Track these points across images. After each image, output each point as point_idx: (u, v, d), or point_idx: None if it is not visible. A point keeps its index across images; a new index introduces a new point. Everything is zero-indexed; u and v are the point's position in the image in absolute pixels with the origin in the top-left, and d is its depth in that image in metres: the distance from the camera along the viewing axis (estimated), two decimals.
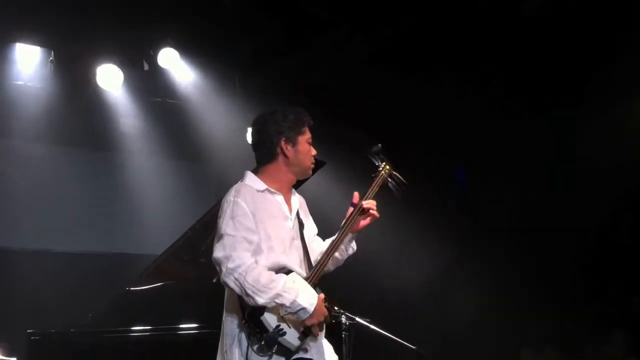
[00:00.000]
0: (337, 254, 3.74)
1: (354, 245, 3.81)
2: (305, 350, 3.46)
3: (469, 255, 7.86)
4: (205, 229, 5.05)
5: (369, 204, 3.72)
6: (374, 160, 3.88)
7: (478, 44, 7.04)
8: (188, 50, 7.34)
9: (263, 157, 3.66)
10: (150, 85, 7.74)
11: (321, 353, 3.55)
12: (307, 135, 3.67)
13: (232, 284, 3.34)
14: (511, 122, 7.65)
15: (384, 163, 3.86)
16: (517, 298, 7.66)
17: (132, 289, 5.04)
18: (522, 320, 7.78)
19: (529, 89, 7.45)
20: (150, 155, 8.00)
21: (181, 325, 4.80)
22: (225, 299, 3.55)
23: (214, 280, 4.96)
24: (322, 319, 3.42)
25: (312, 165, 3.72)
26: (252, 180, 3.62)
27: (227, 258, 3.35)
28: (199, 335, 4.75)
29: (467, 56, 7.17)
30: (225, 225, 3.43)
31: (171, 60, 7.30)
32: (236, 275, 3.32)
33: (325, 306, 3.46)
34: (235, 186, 3.58)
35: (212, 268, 4.93)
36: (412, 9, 6.80)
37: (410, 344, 4.66)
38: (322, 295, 3.48)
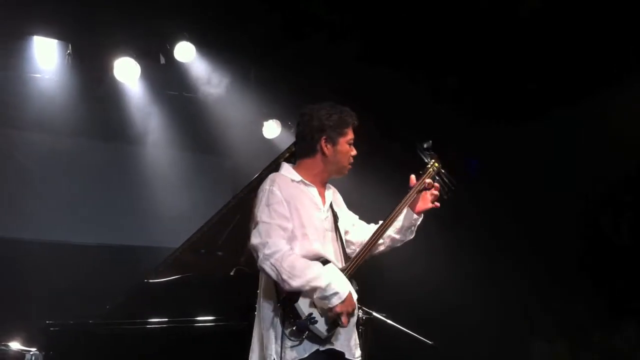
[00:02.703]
0: (397, 235, 3.84)
1: (414, 228, 3.87)
2: (336, 339, 3.53)
3: (475, 249, 7.88)
4: (222, 222, 5.10)
5: (431, 183, 3.81)
6: (422, 156, 3.91)
7: (477, 44, 7.06)
8: (204, 44, 7.36)
9: (303, 150, 3.78)
10: (166, 79, 7.79)
11: (350, 347, 3.63)
12: (348, 137, 3.76)
13: (268, 270, 3.44)
14: (510, 121, 7.68)
15: (433, 160, 3.91)
16: (526, 291, 7.70)
17: (149, 281, 5.07)
18: (532, 312, 7.84)
19: (528, 89, 7.46)
20: (167, 148, 8.04)
21: (198, 318, 4.83)
22: (261, 287, 3.64)
23: (232, 273, 5.03)
24: (350, 309, 3.48)
25: (349, 166, 3.80)
26: (287, 171, 3.75)
27: (264, 245, 3.47)
28: (215, 328, 4.77)
29: (466, 55, 7.21)
30: (261, 212, 3.56)
31: (187, 54, 7.32)
32: (272, 260, 3.43)
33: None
34: (270, 176, 3.70)
35: (229, 261, 5.08)
36: (414, 8, 6.82)
37: (426, 339, 4.69)
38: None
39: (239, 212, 5.06)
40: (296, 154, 3.85)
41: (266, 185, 3.63)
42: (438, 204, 3.86)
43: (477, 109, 7.70)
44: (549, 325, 7.89)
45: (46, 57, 7.15)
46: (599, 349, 7.52)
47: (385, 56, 7.35)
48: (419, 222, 3.87)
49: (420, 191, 3.84)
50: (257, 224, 3.54)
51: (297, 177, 3.71)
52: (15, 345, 4.92)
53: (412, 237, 3.91)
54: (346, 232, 3.88)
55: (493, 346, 7.51)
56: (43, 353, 4.74)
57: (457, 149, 7.61)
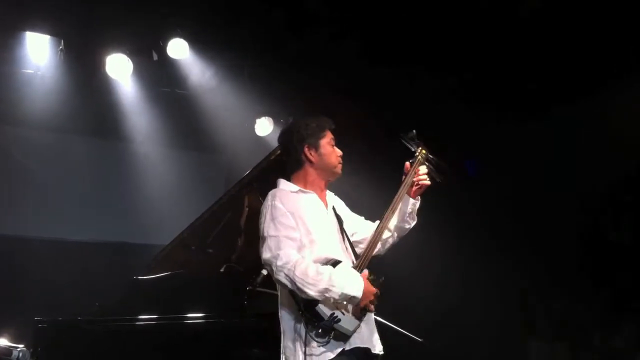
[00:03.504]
0: (402, 223, 3.94)
1: (414, 212, 3.96)
2: (360, 336, 3.59)
3: (475, 249, 7.84)
4: (213, 218, 5.09)
5: (421, 172, 3.91)
6: (409, 146, 3.98)
7: (477, 43, 7.03)
8: (197, 40, 7.34)
9: (291, 165, 3.88)
10: (159, 76, 7.77)
11: (373, 341, 3.70)
12: (328, 138, 3.87)
13: (283, 280, 3.51)
14: (509, 120, 7.65)
15: (420, 148, 3.97)
16: (525, 291, 7.66)
17: (140, 278, 5.02)
18: (532, 312, 7.80)
19: (528, 88, 7.43)
20: (160, 145, 8.04)
21: (188, 315, 4.77)
22: (279, 298, 3.70)
23: (222, 270, 4.97)
24: (372, 297, 3.56)
25: (340, 165, 3.88)
26: (285, 184, 3.84)
27: (275, 257, 3.55)
28: (205, 325, 4.71)
29: (466, 55, 7.18)
30: (267, 227, 3.64)
31: (180, 51, 7.30)
32: (285, 271, 3.50)
33: (370, 280, 3.59)
34: (271, 192, 3.79)
35: (220, 258, 5.02)
36: (414, 8, 6.78)
37: (425, 339, 4.65)
38: (366, 272, 3.61)
39: (229, 209, 5.07)
40: (287, 171, 3.92)
41: (268, 201, 3.72)
42: (428, 182, 3.95)
43: (477, 109, 7.66)
44: (549, 325, 7.86)
45: (38, 53, 7.14)
46: (599, 349, 7.48)
47: (385, 55, 7.33)
48: (417, 206, 3.97)
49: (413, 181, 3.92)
50: (265, 239, 3.62)
51: (295, 187, 3.79)
52: (2, 342, 4.88)
53: (415, 221, 4.00)
54: (354, 234, 3.95)
55: (493, 346, 7.47)
56: (31, 350, 4.68)
57: (457, 148, 7.61)
